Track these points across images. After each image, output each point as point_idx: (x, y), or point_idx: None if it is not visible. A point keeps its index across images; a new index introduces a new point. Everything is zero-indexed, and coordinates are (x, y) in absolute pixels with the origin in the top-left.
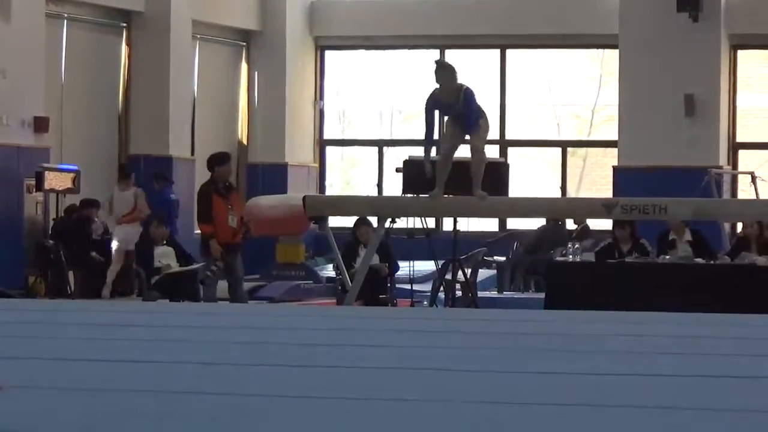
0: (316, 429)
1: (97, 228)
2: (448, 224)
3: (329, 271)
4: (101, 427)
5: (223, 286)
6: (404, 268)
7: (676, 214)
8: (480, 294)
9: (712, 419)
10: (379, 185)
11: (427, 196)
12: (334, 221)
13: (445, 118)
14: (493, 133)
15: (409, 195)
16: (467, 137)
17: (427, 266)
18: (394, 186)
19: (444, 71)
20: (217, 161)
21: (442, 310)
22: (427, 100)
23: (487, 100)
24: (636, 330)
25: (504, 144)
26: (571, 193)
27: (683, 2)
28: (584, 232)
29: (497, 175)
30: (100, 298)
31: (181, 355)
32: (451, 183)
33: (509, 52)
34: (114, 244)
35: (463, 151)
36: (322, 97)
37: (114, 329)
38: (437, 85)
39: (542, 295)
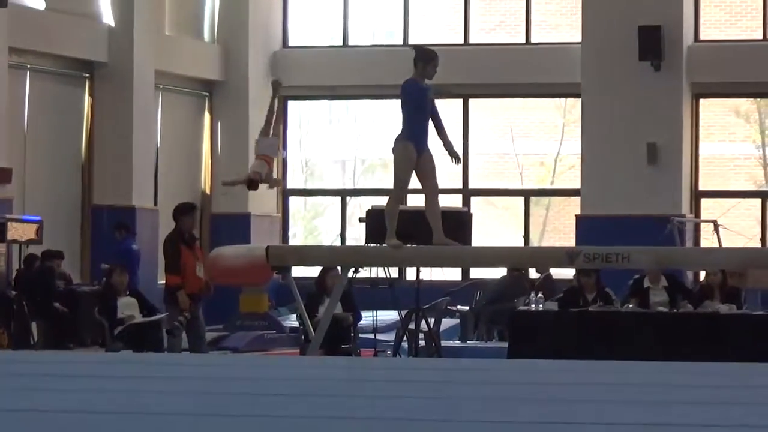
0: None
1: (59, 279)
2: (411, 274)
3: (293, 321)
4: None
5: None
6: (367, 317)
7: (639, 262)
8: (443, 343)
9: None
10: (342, 235)
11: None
12: (298, 271)
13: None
14: (456, 182)
15: (372, 244)
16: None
17: (391, 316)
18: (357, 235)
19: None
20: (181, 212)
21: (405, 359)
22: (414, 84)
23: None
24: (600, 378)
25: (467, 193)
26: (534, 242)
27: (645, 51)
28: (547, 281)
29: (460, 224)
30: (64, 348)
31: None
32: (413, 233)
33: (472, 101)
34: None
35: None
36: (285, 147)
37: (59, 380)
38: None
39: (505, 345)
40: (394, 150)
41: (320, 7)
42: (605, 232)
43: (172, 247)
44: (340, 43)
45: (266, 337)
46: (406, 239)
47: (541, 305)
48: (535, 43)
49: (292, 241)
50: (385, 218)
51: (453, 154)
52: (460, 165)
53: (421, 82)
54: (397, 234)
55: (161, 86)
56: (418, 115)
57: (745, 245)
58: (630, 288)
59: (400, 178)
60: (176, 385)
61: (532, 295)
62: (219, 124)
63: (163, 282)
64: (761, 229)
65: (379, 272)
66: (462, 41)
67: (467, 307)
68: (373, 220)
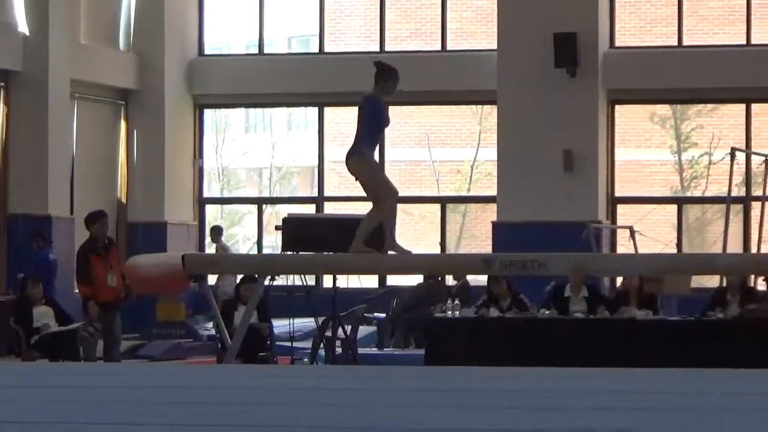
0: None
1: None
2: (327, 281)
3: (210, 329)
4: None
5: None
6: (284, 325)
7: (555, 269)
8: (360, 351)
9: None
10: (259, 243)
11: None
12: (214, 279)
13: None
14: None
15: (288, 252)
16: None
17: (308, 323)
18: (274, 243)
19: (397, 78)
20: (91, 220)
21: (322, 367)
22: (376, 101)
23: None
24: (515, 385)
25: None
26: (451, 249)
27: (561, 58)
28: (464, 288)
29: (376, 232)
30: None
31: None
32: (329, 240)
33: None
34: None
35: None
36: (201, 155)
37: None
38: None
39: (422, 352)
40: (356, 164)
41: (236, 15)
42: (522, 239)
43: (80, 258)
44: (256, 52)
45: (183, 345)
46: (321, 247)
47: (457, 312)
48: (451, 50)
49: (208, 250)
50: (386, 224)
51: None
52: None
53: (381, 99)
54: (311, 242)
55: (77, 95)
56: (375, 132)
57: (661, 251)
58: (549, 295)
59: (383, 182)
60: (91, 394)
61: (449, 302)
62: (135, 132)
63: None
64: (677, 234)
65: (295, 280)
66: (378, 49)
67: (384, 315)
68: (290, 228)
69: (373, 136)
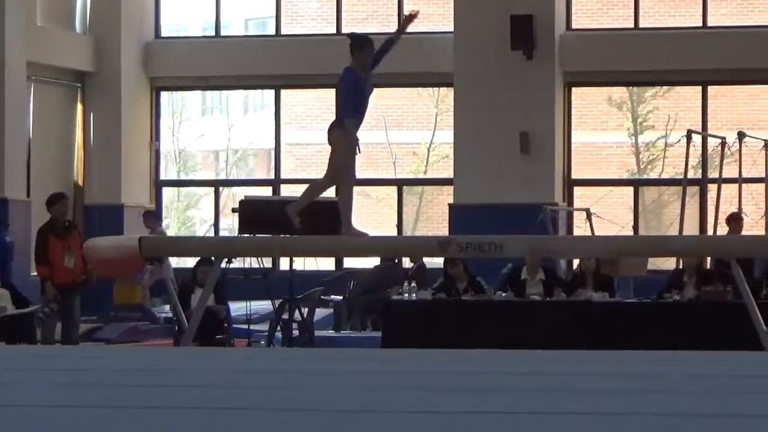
0: None
1: None
2: (284, 264)
3: (167, 311)
4: None
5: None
6: (241, 308)
7: (512, 251)
8: (317, 333)
9: None
10: (215, 225)
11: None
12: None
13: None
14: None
15: (245, 235)
16: None
17: (264, 306)
18: (230, 226)
19: (372, 46)
20: (51, 202)
21: (278, 349)
22: (352, 71)
23: (321, 139)
24: (472, 368)
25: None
26: (408, 231)
27: (517, 40)
28: (420, 270)
29: (333, 214)
30: None
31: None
32: (284, 223)
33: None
34: None
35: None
36: (158, 138)
37: None
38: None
39: (379, 334)
40: (337, 138)
41: None
42: (478, 221)
43: (39, 238)
44: (213, 34)
45: (140, 328)
46: (277, 230)
47: (414, 295)
48: (408, 32)
49: (166, 232)
50: (342, 208)
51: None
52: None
53: (359, 70)
54: (267, 224)
55: (33, 77)
56: (354, 101)
57: (618, 233)
58: (505, 277)
59: (349, 164)
60: (48, 376)
61: (406, 284)
62: (91, 115)
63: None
64: (634, 216)
65: (252, 263)
66: (334, 31)
67: (341, 297)
68: (246, 210)
69: (353, 106)
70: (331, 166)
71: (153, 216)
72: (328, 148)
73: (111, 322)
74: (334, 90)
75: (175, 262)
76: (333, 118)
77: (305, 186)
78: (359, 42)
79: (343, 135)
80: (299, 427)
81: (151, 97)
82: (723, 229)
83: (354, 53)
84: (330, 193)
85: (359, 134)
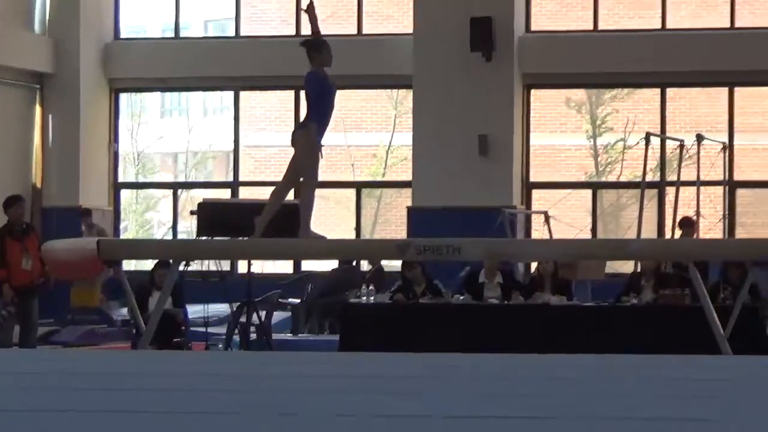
0: None
1: None
2: (242, 267)
3: (124, 314)
4: None
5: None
6: (198, 311)
7: (470, 254)
8: (275, 336)
9: None
10: (174, 228)
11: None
12: (129, 264)
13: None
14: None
15: (203, 238)
16: None
17: (222, 309)
18: (188, 228)
19: (328, 44)
20: (6, 204)
21: (236, 353)
22: (314, 74)
23: (280, 141)
24: (429, 372)
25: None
26: (366, 234)
27: (476, 42)
28: (378, 273)
29: (291, 217)
30: None
31: None
32: (244, 225)
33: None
34: None
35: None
36: (116, 140)
37: None
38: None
39: (337, 337)
40: (300, 137)
41: None
42: (437, 224)
43: None
44: (172, 35)
45: (98, 331)
46: (236, 232)
47: (372, 298)
48: (367, 34)
49: (123, 235)
50: (301, 210)
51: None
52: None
53: (321, 72)
54: (226, 227)
55: None
56: (319, 105)
57: (576, 236)
58: (463, 280)
59: (311, 166)
60: (4, 380)
61: (364, 287)
62: (50, 116)
63: None
64: (592, 219)
65: (210, 265)
66: (294, 32)
67: (299, 300)
68: (205, 213)
69: (319, 110)
70: (291, 168)
71: (88, 214)
72: (288, 150)
73: (68, 325)
74: (293, 92)
75: (132, 265)
76: (292, 120)
77: (264, 188)
78: (316, 44)
79: (306, 136)
80: (257, 431)
81: (110, 99)
82: (678, 233)
83: (312, 57)
84: (291, 196)
85: (324, 140)
